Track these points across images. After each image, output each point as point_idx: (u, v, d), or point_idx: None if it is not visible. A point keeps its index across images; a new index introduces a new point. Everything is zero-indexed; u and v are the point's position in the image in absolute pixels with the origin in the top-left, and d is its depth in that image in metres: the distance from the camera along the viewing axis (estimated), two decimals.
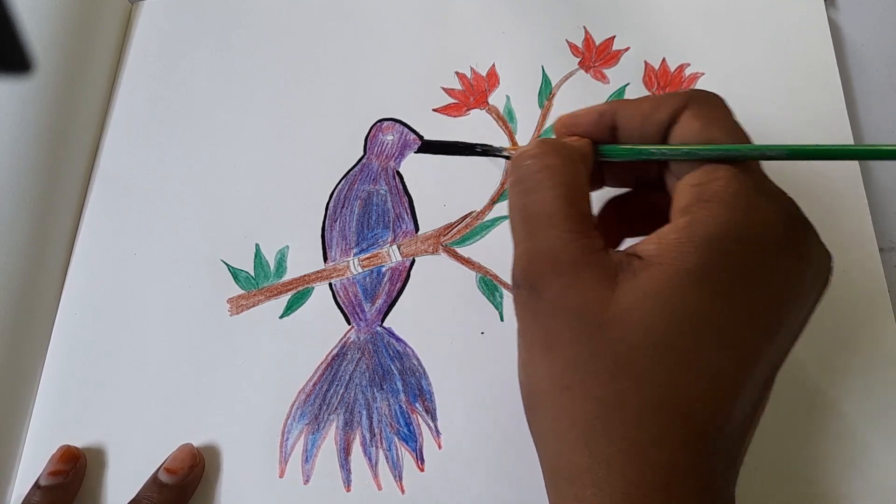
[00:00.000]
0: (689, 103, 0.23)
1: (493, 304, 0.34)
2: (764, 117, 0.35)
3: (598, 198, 0.29)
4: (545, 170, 0.23)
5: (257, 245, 0.37)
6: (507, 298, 0.34)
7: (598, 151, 0.25)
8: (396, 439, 0.32)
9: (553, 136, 0.27)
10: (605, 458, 0.20)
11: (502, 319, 0.33)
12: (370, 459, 0.32)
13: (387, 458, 0.32)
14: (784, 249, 0.21)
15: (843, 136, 0.34)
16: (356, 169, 0.38)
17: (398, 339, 0.34)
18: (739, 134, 0.23)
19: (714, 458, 0.20)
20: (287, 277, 0.36)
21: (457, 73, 0.39)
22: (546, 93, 0.38)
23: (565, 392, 0.21)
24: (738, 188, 0.21)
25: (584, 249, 0.22)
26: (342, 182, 0.38)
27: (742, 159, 0.22)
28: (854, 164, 0.33)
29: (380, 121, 0.39)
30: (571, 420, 0.21)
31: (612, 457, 0.20)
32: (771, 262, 0.21)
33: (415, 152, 0.38)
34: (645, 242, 0.22)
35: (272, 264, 0.37)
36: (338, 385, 0.33)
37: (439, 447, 0.32)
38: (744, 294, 0.21)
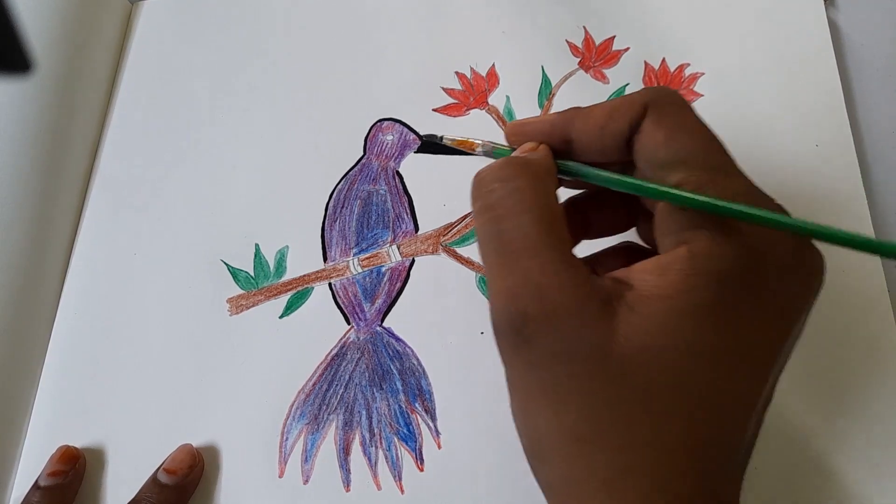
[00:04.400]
0: (647, 109, 0.21)
1: None
2: (763, 117, 0.35)
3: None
4: (515, 193, 0.21)
5: (257, 245, 0.37)
6: None
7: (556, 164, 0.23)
8: (396, 439, 0.32)
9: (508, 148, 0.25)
10: (628, 503, 0.19)
11: None
12: (370, 459, 0.32)
13: (386, 458, 0.32)
14: (789, 267, 0.20)
15: (842, 135, 0.34)
16: (356, 169, 0.38)
17: (398, 339, 0.34)
18: (707, 137, 0.21)
19: (728, 477, 0.20)
20: (287, 277, 0.36)
21: (457, 73, 0.39)
22: (546, 93, 0.38)
23: (579, 443, 0.19)
24: None
25: (572, 282, 0.20)
26: (342, 182, 0.38)
27: (716, 212, 0.19)
28: (854, 165, 0.33)
29: (380, 121, 0.39)
30: (589, 471, 0.19)
31: (634, 501, 0.19)
32: (779, 284, 0.20)
33: (415, 152, 0.38)
34: (638, 272, 0.20)
35: (272, 264, 0.37)
36: (337, 385, 0.33)
37: (439, 447, 0.32)
38: (755, 320, 0.20)
